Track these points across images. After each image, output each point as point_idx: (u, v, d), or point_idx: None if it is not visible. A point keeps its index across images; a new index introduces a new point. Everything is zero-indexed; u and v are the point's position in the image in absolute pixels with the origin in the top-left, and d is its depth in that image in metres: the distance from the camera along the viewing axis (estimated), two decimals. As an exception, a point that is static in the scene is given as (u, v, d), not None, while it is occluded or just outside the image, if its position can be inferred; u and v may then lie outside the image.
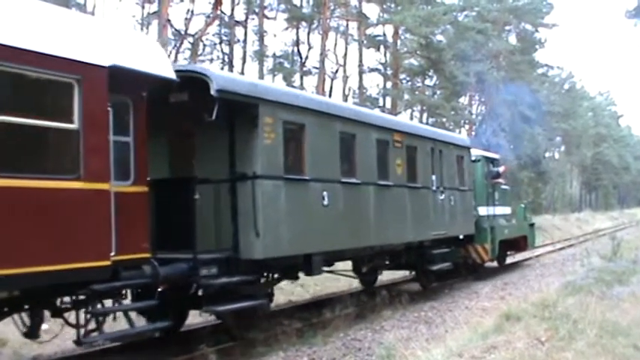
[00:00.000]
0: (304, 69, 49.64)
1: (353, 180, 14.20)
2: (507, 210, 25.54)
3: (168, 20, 37.15)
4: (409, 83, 54.94)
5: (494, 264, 25.02)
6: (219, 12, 42.74)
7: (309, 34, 49.89)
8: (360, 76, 49.54)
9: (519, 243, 26.32)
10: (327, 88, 47.06)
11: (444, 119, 51.49)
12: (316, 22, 47.17)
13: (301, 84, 49.50)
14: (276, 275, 13.00)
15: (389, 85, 51.73)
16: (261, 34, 44.88)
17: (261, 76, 42.48)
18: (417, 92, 53.07)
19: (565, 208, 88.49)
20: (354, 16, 47.86)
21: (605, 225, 61.38)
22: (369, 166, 14.96)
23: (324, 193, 13.00)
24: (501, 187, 24.95)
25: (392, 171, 15.97)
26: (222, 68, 45.07)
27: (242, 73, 43.93)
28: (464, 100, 58.95)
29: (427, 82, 56.84)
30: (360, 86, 49.86)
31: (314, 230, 12.64)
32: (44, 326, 11.99)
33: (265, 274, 12.56)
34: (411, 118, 60.39)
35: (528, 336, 9.08)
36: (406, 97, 50.87)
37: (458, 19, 51.04)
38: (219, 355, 10.84)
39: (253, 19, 45.61)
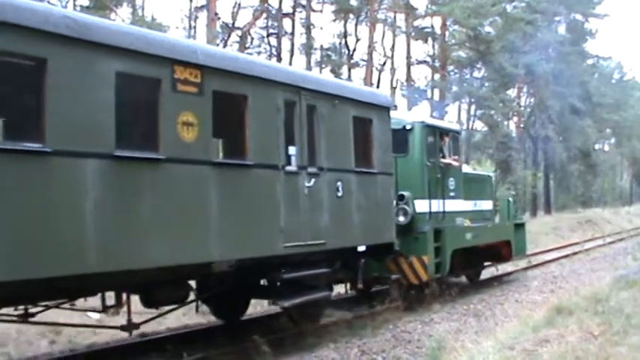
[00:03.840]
0: (352, 61, 49.61)
1: (27, 146, 7.57)
2: (485, 204, 19.13)
3: (216, 13, 37.48)
4: (457, 75, 54.62)
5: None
6: (266, 5, 42.98)
7: (356, 26, 49.88)
8: (408, 68, 49.42)
9: (500, 251, 19.35)
10: (374, 80, 47.05)
11: (492, 111, 51.05)
12: (364, 14, 47.12)
13: (349, 76, 49.53)
14: None
15: (437, 76, 51.48)
16: (308, 26, 45.02)
17: (309, 69, 42.56)
18: (465, 84, 52.73)
19: (615, 202, 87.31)
20: (402, 8, 47.68)
21: (657, 219, 60.33)
22: (90, 123, 8.17)
23: None
24: (462, 172, 17.59)
25: (167, 134, 9.07)
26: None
27: (290, 65, 44.18)
28: (512, 92, 58.40)
29: (475, 73, 56.49)
30: (408, 78, 49.71)
31: None
32: (96, 316, 12.32)
33: None
34: (459, 111, 60.23)
35: (581, 330, 9.06)
36: (454, 88, 50.55)
37: (507, 10, 50.54)
38: (271, 346, 10.98)
39: (301, 11, 45.80)
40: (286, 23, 45.64)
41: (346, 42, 50.21)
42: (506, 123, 59.12)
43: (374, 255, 13.80)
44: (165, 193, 9.03)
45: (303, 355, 11.07)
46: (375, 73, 48.65)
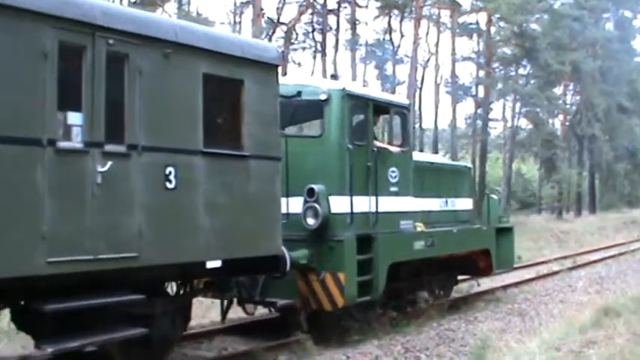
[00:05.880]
0: (396, 57, 49.49)
1: None
2: (460, 203, 15.69)
3: (262, 9, 37.68)
4: (502, 72, 54.16)
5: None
6: (312, 0, 43.04)
7: (401, 22, 49.76)
8: (453, 64, 49.12)
9: (476, 262, 15.55)
10: (418, 77, 46.91)
11: (538, 109, 50.53)
12: (409, 10, 46.93)
13: (393, 72, 49.42)
14: None
15: (482, 73, 51.10)
16: (353, 22, 44.94)
17: (354, 65, 42.52)
18: (510, 81, 52.23)
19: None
20: (447, 4, 47.40)
21: None
22: None
23: None
24: (411, 161, 13.45)
25: None
26: (314, 57, 45.65)
27: (334, 61, 44.40)
28: (558, 89, 57.73)
29: (521, 71, 55.91)
30: (453, 75, 49.44)
31: None
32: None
33: None
34: (504, 108, 59.71)
35: (629, 332, 8.99)
36: (499, 85, 50.12)
37: (553, 7, 49.97)
38: (315, 341, 11.04)
39: (345, 7, 45.68)
40: (331, 19, 45.68)
41: (391, 38, 50.13)
42: (551, 121, 58.55)
43: (242, 273, 10.41)
44: None
45: (347, 352, 11.06)
46: (420, 70, 48.52)
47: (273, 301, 11.26)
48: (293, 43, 42.53)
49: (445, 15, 50.40)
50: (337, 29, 46.34)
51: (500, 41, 50.05)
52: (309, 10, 44.10)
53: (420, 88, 50.43)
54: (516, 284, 18.73)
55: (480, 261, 15.47)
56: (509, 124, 59.63)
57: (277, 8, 42.71)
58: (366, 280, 11.57)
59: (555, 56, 47.11)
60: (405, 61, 49.42)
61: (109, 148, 7.73)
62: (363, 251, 11.56)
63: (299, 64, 45.93)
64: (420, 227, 13.33)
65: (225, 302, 11.50)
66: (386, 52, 49.28)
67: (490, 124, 54.94)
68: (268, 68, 9.89)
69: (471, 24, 52.34)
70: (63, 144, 7.38)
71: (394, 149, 12.82)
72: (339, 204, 11.40)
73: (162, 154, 8.32)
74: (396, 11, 48.28)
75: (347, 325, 12.12)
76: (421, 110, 52.95)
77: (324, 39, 44.08)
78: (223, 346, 11.43)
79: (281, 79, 10.46)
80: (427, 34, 51.23)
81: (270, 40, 39.77)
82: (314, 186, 11.19)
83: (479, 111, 50.68)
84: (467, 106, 74.22)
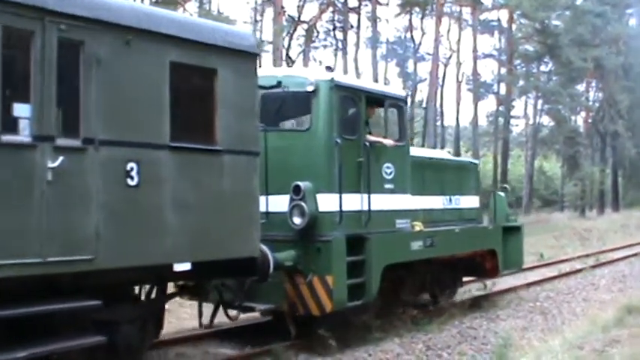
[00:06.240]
0: (417, 55, 49.43)
1: None
2: (466, 201, 14.80)
3: (282, 7, 37.76)
4: (524, 69, 53.94)
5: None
6: (332, -1, 43.12)
7: (422, 19, 49.69)
8: (475, 61, 48.95)
9: (482, 263, 14.83)
10: (440, 74, 46.80)
11: (560, 106, 50.24)
12: (429, 8, 46.85)
13: (414, 70, 49.35)
14: None
15: (503, 71, 50.92)
16: (374, 20, 44.93)
17: (375, 63, 42.48)
18: (532, 78, 52.01)
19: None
20: (468, 1, 47.24)
21: None
22: None
23: None
24: (409, 156, 12.58)
25: None
26: (335, 55, 45.70)
27: (355, 59, 44.44)
28: (581, 86, 57.36)
29: (543, 67, 55.66)
30: (474, 72, 49.27)
31: None
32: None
33: None
34: (526, 105, 59.48)
35: (652, 331, 8.94)
36: (521, 83, 49.90)
37: (575, 3, 49.67)
38: (337, 340, 11.04)
39: (366, 5, 45.70)
40: (352, 17, 45.67)
41: (412, 36, 50.08)
42: (573, 118, 58.22)
43: (217, 276, 9.75)
44: None
45: (369, 349, 11.09)
46: (441, 67, 48.43)
47: (251, 306, 10.66)
48: (314, 42, 42.61)
49: (466, 12, 50.29)
50: (358, 27, 46.45)
51: (521, 38, 49.88)
52: (330, 8, 44.20)
53: (442, 86, 50.38)
54: (539, 282, 18.66)
55: (485, 262, 14.78)
56: (531, 122, 59.46)
57: (298, 6, 42.90)
58: (358, 283, 10.91)
59: (578, 53, 46.79)
60: (427, 58, 49.37)
61: (61, 142, 7.09)
62: (354, 252, 10.88)
63: (320, 63, 46.02)
64: (419, 226, 12.53)
65: (206, 305, 10.90)
66: (407, 50, 49.28)
67: (512, 121, 54.89)
68: (245, 57, 9.15)
69: (492, 21, 52.24)
70: (7, 137, 6.69)
71: (389, 143, 12.01)
72: (327, 202, 10.68)
73: (123, 148, 7.67)
74: (417, 9, 48.21)
75: (368, 323, 12.10)
76: (443, 108, 52.92)
77: (345, 37, 44.21)
78: (245, 343, 11.47)
79: (268, 70, 9.95)
80: (448, 31, 51.22)
81: (291, 38, 39.87)
82: (300, 183, 10.54)
83: (500, 108, 50.53)
84: (488, 104, 74.12)
